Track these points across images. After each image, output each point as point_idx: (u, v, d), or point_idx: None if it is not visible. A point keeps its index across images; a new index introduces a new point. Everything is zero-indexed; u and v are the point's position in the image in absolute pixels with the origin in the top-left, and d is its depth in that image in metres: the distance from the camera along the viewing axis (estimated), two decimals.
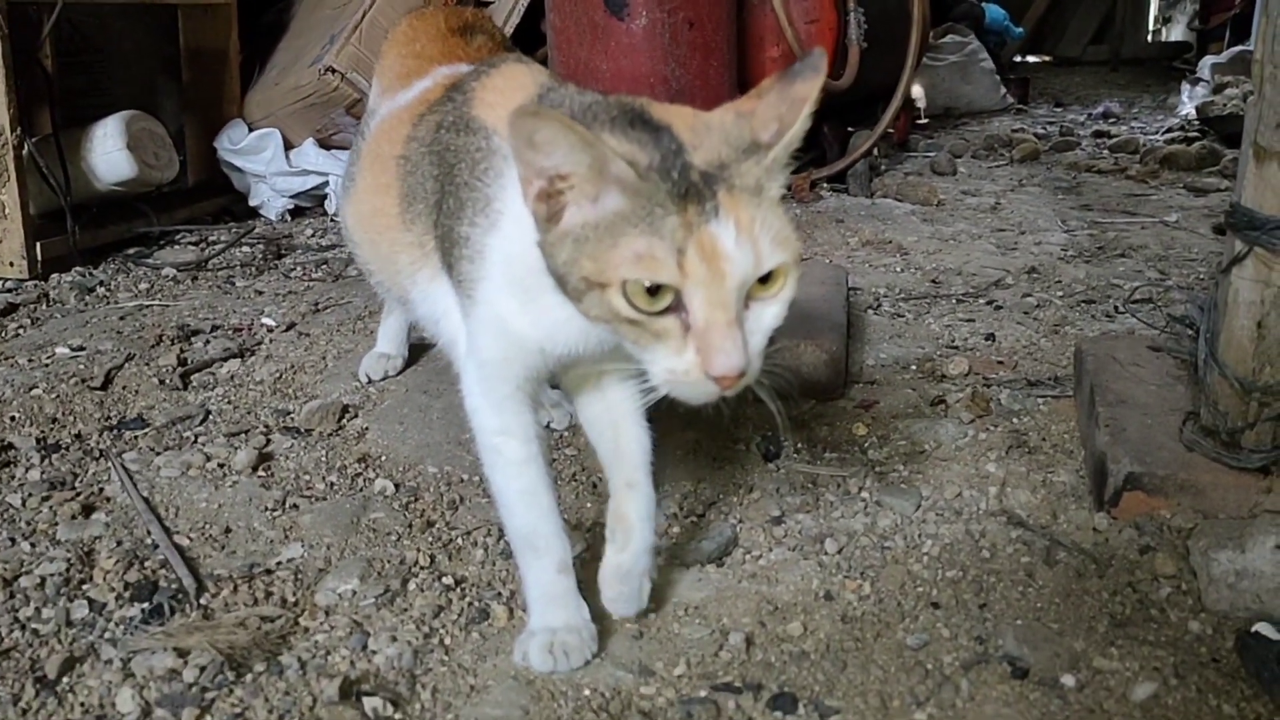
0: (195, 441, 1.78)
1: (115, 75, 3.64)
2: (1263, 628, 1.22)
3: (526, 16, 3.64)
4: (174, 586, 1.35)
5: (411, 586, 1.36)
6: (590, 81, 3.03)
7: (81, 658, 1.21)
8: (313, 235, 3.30)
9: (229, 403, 1.94)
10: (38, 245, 2.71)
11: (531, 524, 1.24)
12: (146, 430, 1.82)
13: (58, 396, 1.93)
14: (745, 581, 1.37)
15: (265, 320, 2.40)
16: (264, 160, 3.48)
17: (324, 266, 2.91)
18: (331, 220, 3.47)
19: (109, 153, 2.98)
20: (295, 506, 1.56)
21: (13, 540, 1.45)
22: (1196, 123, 5.19)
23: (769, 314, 1.01)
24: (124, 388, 1.99)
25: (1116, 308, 2.45)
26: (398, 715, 1.13)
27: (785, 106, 1.01)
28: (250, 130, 3.54)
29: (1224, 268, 1.42)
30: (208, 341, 2.26)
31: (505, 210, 1.13)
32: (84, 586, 1.34)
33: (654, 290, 0.95)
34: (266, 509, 1.55)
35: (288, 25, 3.88)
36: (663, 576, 1.37)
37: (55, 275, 2.72)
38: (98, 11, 3.47)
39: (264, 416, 1.88)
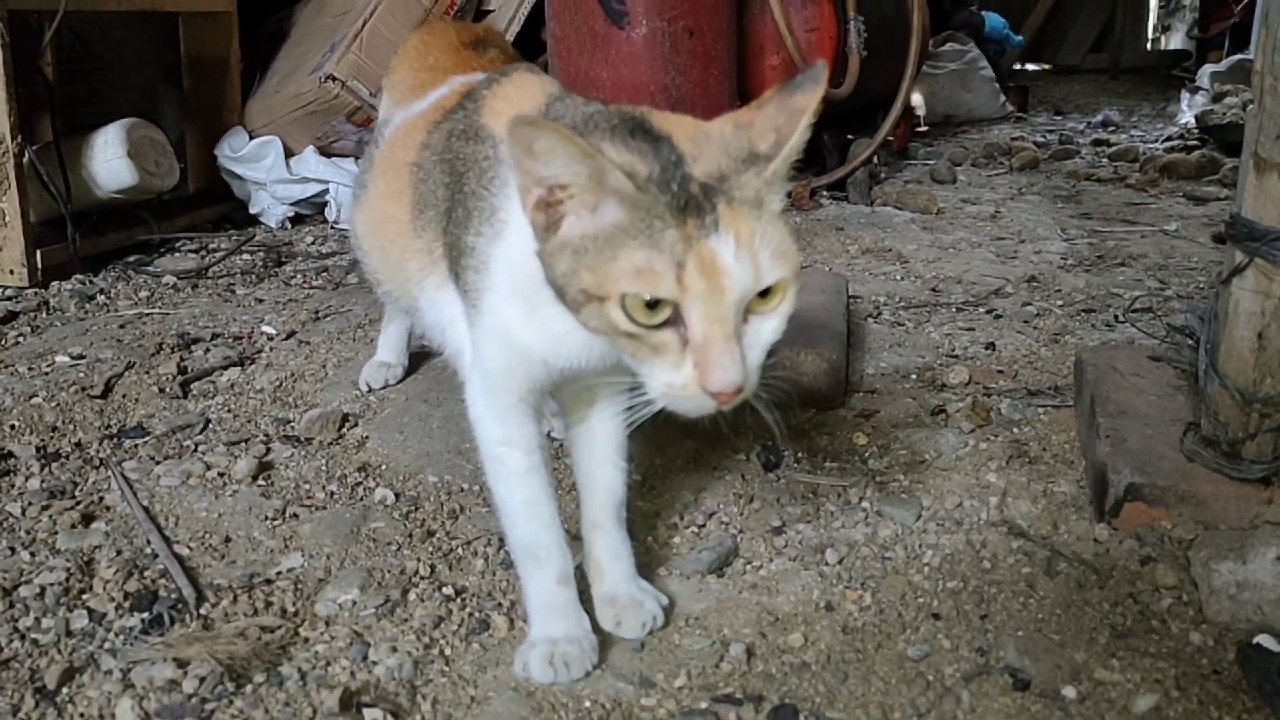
0: (195, 450, 1.78)
1: (116, 83, 3.64)
2: (1264, 640, 1.22)
3: (527, 25, 3.65)
4: (174, 596, 1.34)
5: (412, 597, 1.36)
6: (590, 90, 3.04)
7: (81, 668, 1.20)
8: (313, 243, 3.30)
9: (229, 411, 1.94)
10: (38, 253, 2.71)
11: (533, 535, 1.24)
12: (146, 439, 1.81)
13: (58, 405, 1.92)
14: (746, 592, 1.37)
15: (265, 328, 2.40)
16: (264, 168, 3.49)
17: (324, 274, 2.91)
18: (332, 228, 3.47)
19: (109, 160, 2.98)
20: (295, 516, 1.56)
21: (12, 549, 1.44)
22: (1196, 131, 5.20)
23: (768, 328, 1.01)
24: (124, 396, 1.99)
25: (1116, 317, 2.45)
26: None
27: (784, 118, 1.01)
28: (251, 138, 3.54)
29: (1224, 279, 1.42)
30: (208, 350, 2.26)
31: (510, 220, 1.13)
32: (84, 596, 1.34)
33: (653, 304, 0.95)
34: (266, 518, 1.55)
35: (288, 33, 3.88)
36: (663, 587, 1.37)
37: (55, 283, 2.72)
38: (99, 19, 3.47)
39: (264, 425, 1.88)
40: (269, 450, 1.78)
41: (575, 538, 1.40)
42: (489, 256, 1.15)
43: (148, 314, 2.54)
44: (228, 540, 1.50)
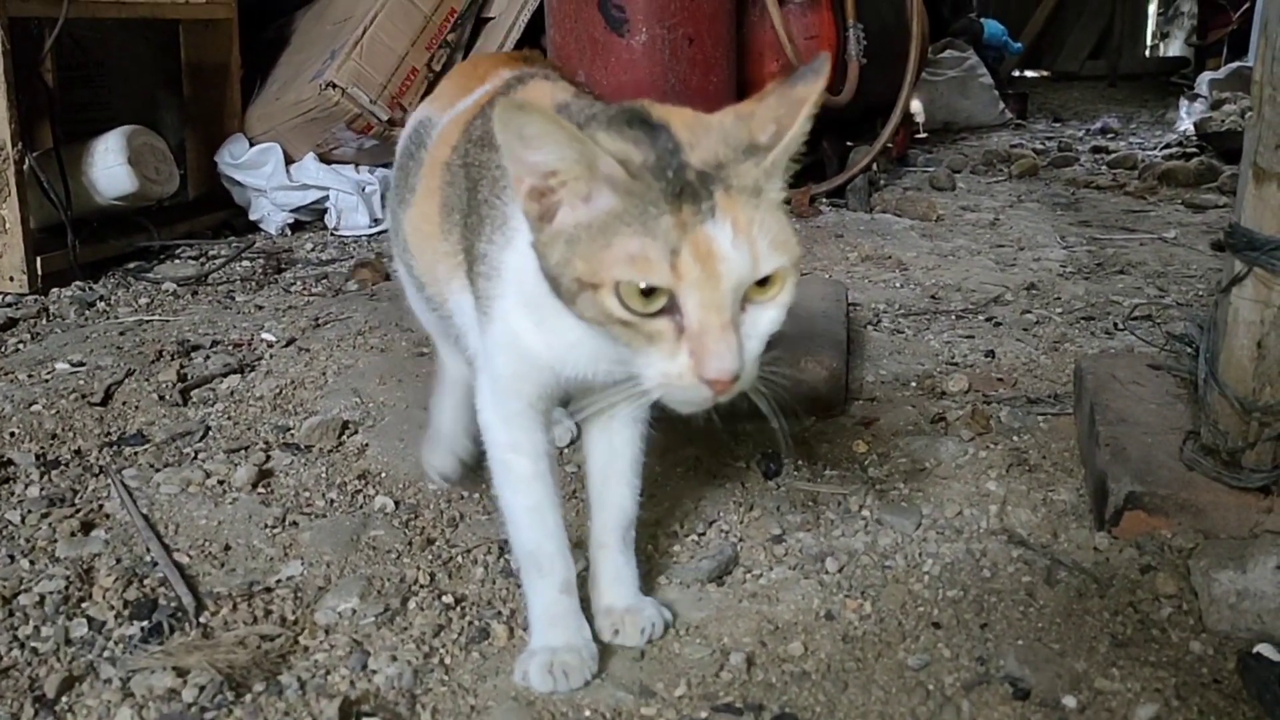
0: (195, 458, 1.78)
1: (116, 90, 3.65)
2: (1264, 649, 1.22)
3: (527, 32, 3.66)
4: (173, 604, 1.34)
5: (411, 605, 1.36)
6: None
7: (81, 677, 1.20)
8: (313, 249, 3.30)
9: (229, 419, 1.94)
10: (38, 260, 2.71)
11: (536, 542, 1.24)
12: (146, 446, 1.81)
13: (57, 412, 1.92)
14: (746, 601, 1.37)
15: (265, 335, 2.40)
16: (264, 174, 3.49)
17: (324, 281, 2.92)
18: (332, 234, 3.47)
19: (110, 167, 2.99)
20: (295, 524, 1.56)
21: (12, 557, 1.44)
22: (1195, 138, 5.20)
23: (766, 318, 1.00)
24: (124, 403, 1.99)
25: (1116, 325, 2.45)
26: None
27: (784, 109, 1.01)
28: (251, 145, 3.54)
29: (1224, 288, 1.42)
30: (208, 357, 2.26)
31: (520, 228, 1.12)
32: (83, 604, 1.34)
33: (648, 291, 0.94)
34: (266, 526, 1.55)
35: (289, 40, 3.89)
36: (663, 596, 1.37)
37: (55, 290, 2.72)
38: (99, 26, 3.48)
39: (264, 433, 1.88)
40: (269, 458, 1.78)
41: (577, 545, 1.40)
42: (500, 264, 1.15)
43: (148, 321, 2.54)
44: (227, 548, 1.49)
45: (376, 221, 3.53)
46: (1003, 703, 1.16)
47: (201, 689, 1.16)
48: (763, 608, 1.35)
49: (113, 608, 1.33)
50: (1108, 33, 9.62)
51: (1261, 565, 1.28)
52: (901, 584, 1.40)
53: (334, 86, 3.33)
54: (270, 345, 2.34)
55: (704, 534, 1.53)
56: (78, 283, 2.79)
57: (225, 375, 2.14)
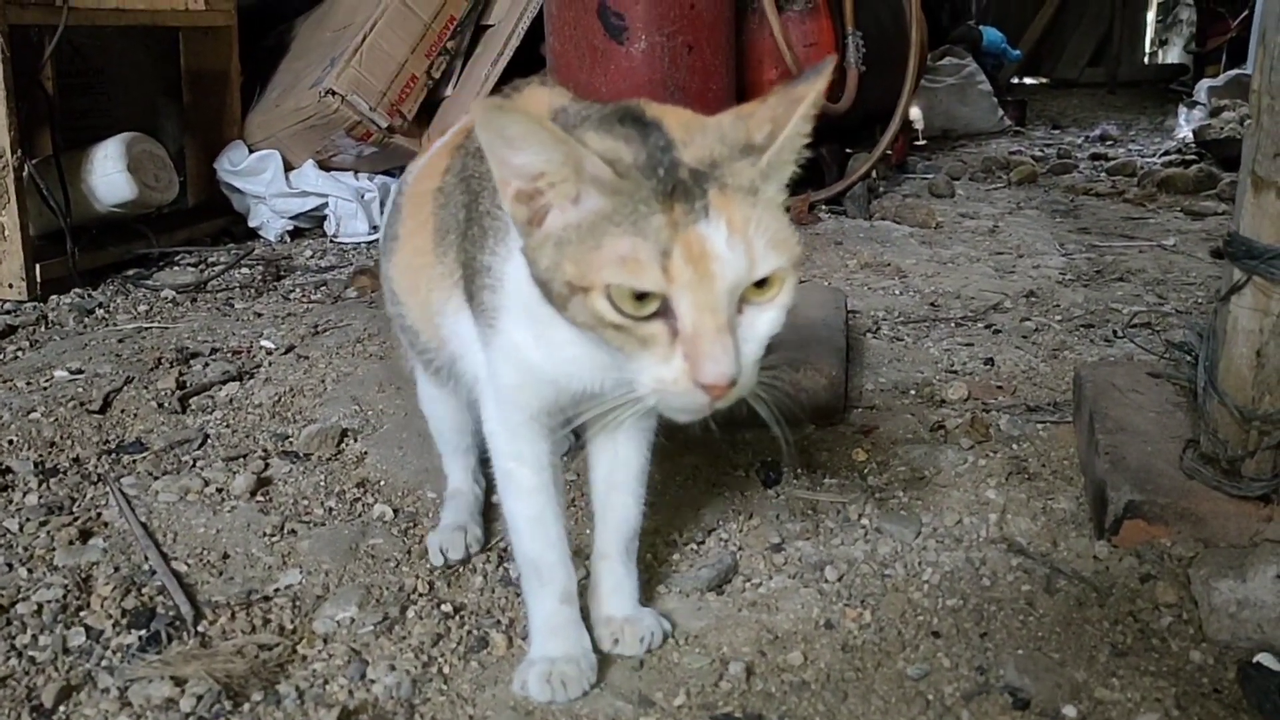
0: (193, 466, 1.77)
1: (116, 96, 3.65)
2: (1264, 658, 1.22)
3: (526, 40, 3.66)
4: (171, 613, 1.34)
5: (410, 614, 1.35)
6: None
7: (78, 686, 1.20)
8: (312, 257, 3.30)
9: (227, 426, 1.94)
10: (37, 267, 2.71)
11: (537, 552, 1.24)
12: (145, 454, 1.81)
13: (56, 420, 1.92)
14: (745, 610, 1.36)
15: (264, 343, 2.40)
16: (264, 182, 3.49)
17: (323, 288, 2.92)
18: (331, 241, 3.47)
19: (109, 175, 2.99)
20: (293, 532, 1.56)
21: (10, 566, 1.44)
22: (1193, 146, 5.21)
23: (764, 320, 0.97)
24: (122, 411, 1.99)
25: (1115, 332, 2.45)
26: None
27: (782, 108, 0.98)
28: (250, 152, 3.55)
29: (1223, 296, 1.42)
30: (206, 364, 2.26)
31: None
32: (81, 613, 1.34)
33: (640, 295, 0.92)
34: (264, 534, 1.55)
35: (288, 47, 3.89)
36: (662, 605, 1.37)
37: (54, 297, 2.72)
38: (99, 33, 3.48)
39: (262, 440, 1.88)
40: (267, 466, 1.77)
41: (577, 553, 1.40)
42: (503, 275, 1.13)
43: (146, 328, 2.54)
44: (226, 557, 1.49)
45: (375, 228, 3.53)
46: (1002, 713, 1.16)
47: (199, 699, 1.16)
48: (762, 617, 1.35)
49: (111, 617, 1.33)
50: (1106, 40, 9.65)
51: (1262, 574, 1.28)
52: (901, 593, 1.39)
53: (333, 94, 3.34)
54: (269, 352, 2.34)
55: (703, 543, 1.53)
56: (77, 290, 2.79)
57: (224, 383, 2.14)
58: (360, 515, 1.62)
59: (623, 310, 0.93)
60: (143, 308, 2.72)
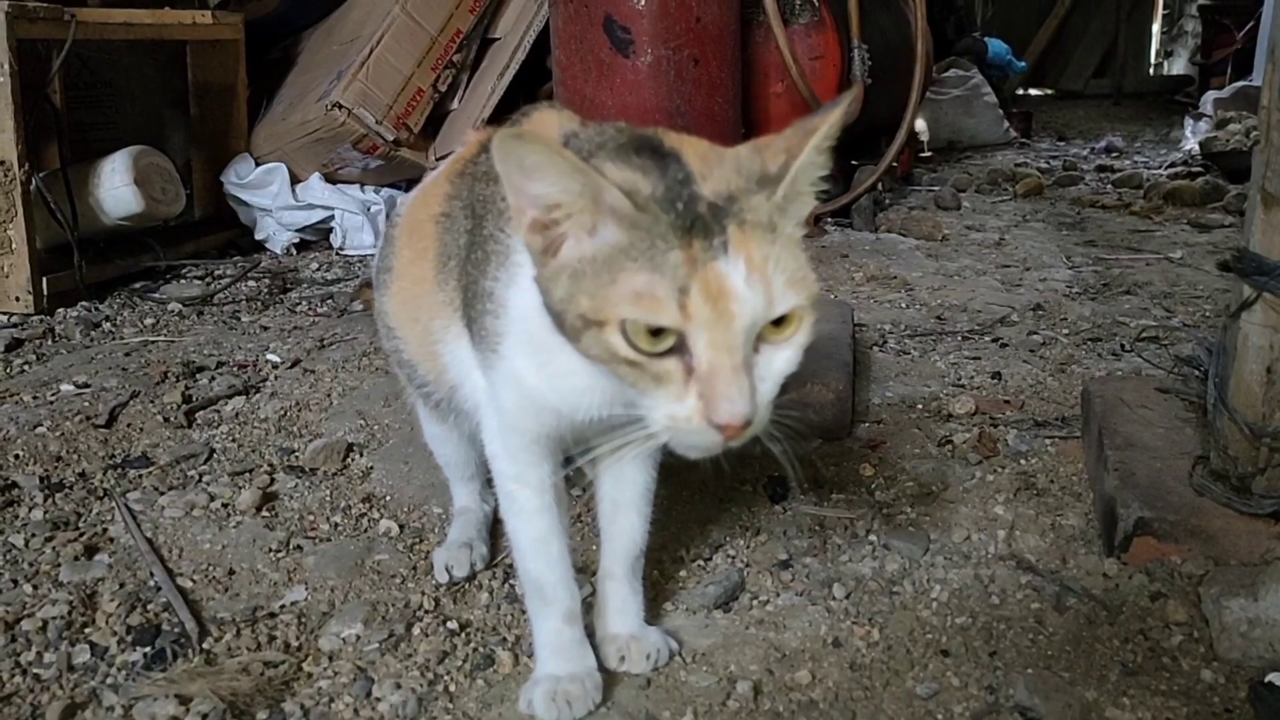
0: (199, 481, 1.77)
1: (123, 110, 3.66)
2: (1276, 678, 1.21)
3: (533, 52, 3.67)
4: (176, 630, 1.34)
5: (416, 631, 1.35)
6: (595, 118, 3.05)
7: (83, 704, 1.20)
8: (318, 269, 3.30)
9: (233, 441, 1.94)
10: (44, 280, 2.72)
11: (540, 572, 1.24)
12: (150, 469, 1.81)
13: (62, 434, 1.92)
14: (753, 628, 1.35)
15: (270, 356, 2.40)
16: (270, 194, 3.50)
17: (329, 301, 2.92)
18: (337, 254, 3.48)
19: (116, 188, 2.99)
20: (299, 548, 1.55)
21: (15, 582, 1.44)
22: (1199, 158, 5.20)
23: (780, 359, 0.96)
24: (128, 425, 1.99)
25: (1123, 346, 2.44)
26: None
27: (797, 139, 0.97)
28: (257, 165, 3.55)
29: (1233, 313, 1.42)
30: (213, 378, 2.26)
31: (523, 263, 1.08)
32: (86, 630, 1.33)
33: (656, 331, 0.90)
34: (270, 550, 1.54)
35: (295, 60, 3.90)
36: (669, 623, 1.36)
37: (61, 310, 2.73)
38: (107, 47, 3.49)
39: (268, 455, 1.87)
40: (273, 481, 1.77)
41: (582, 570, 1.39)
42: (505, 301, 1.11)
43: (153, 341, 2.54)
44: (231, 573, 1.49)
45: None
46: None
47: (204, 717, 1.16)
48: (769, 635, 1.34)
49: (115, 633, 1.32)
50: (1112, 51, 9.63)
51: (1273, 593, 1.27)
52: (909, 610, 1.39)
53: (340, 107, 3.34)
54: (275, 366, 2.34)
55: (710, 559, 1.52)
56: (83, 303, 2.79)
57: (230, 397, 2.14)
58: (366, 531, 1.61)
59: (637, 346, 0.91)
60: (149, 321, 2.72)
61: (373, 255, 3.42)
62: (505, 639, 1.33)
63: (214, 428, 2.00)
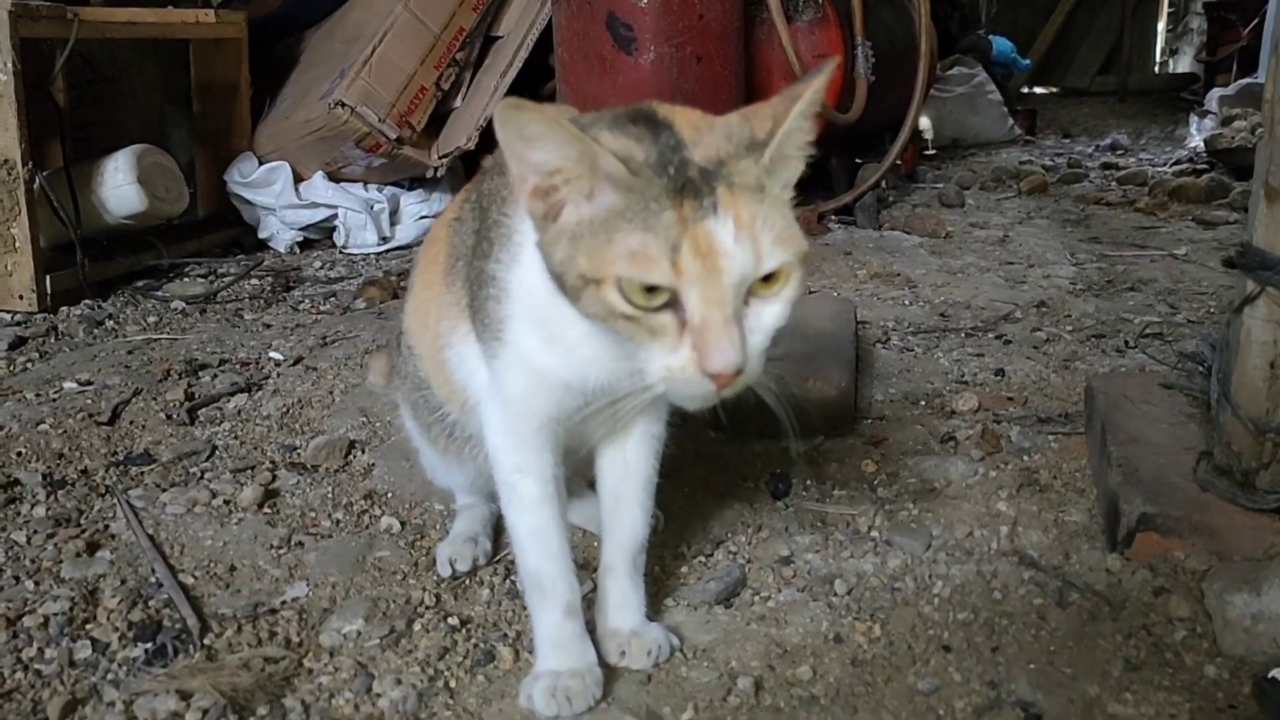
0: (201, 478, 1.77)
1: (126, 108, 3.67)
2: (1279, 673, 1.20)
3: (535, 50, 3.66)
4: (178, 626, 1.34)
5: (417, 627, 1.34)
6: None
7: (84, 699, 1.20)
8: (321, 268, 3.30)
9: (235, 438, 1.94)
10: (47, 278, 2.72)
11: (539, 564, 1.24)
12: (153, 466, 1.81)
13: (65, 431, 1.92)
14: (754, 623, 1.35)
15: (273, 354, 2.40)
16: (273, 193, 3.50)
17: (332, 299, 2.92)
18: (340, 252, 3.48)
19: (119, 186, 3.00)
20: (300, 544, 1.55)
21: (17, 578, 1.44)
22: (1204, 155, 5.19)
23: (770, 313, 1.00)
24: (131, 423, 1.99)
25: (1127, 342, 2.43)
26: None
27: (783, 106, 1.01)
28: (260, 163, 3.55)
29: (1236, 307, 1.41)
30: (215, 376, 2.26)
31: (525, 243, 1.12)
32: (87, 626, 1.33)
33: (650, 287, 0.95)
34: (271, 547, 1.54)
35: (298, 59, 3.90)
36: (670, 618, 1.36)
37: (64, 308, 2.73)
38: (110, 45, 3.50)
39: (270, 452, 1.87)
40: (275, 478, 1.77)
41: (584, 566, 1.39)
42: (508, 283, 1.15)
43: (156, 339, 2.54)
44: (232, 569, 1.49)
45: (385, 240, 3.54)
46: None
47: (205, 712, 1.16)
48: (771, 630, 1.33)
49: (117, 629, 1.32)
50: (1117, 49, 9.62)
51: (1277, 588, 1.26)
52: (911, 606, 1.38)
53: (343, 105, 3.34)
54: (278, 364, 2.34)
55: (711, 555, 1.52)
56: (86, 301, 2.80)
57: (232, 394, 2.14)
58: (367, 527, 1.61)
59: (633, 302, 0.95)
60: (152, 319, 2.72)
61: (375, 254, 3.44)
62: (506, 635, 1.33)
63: (216, 425, 2.00)
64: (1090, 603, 1.37)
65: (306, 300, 2.92)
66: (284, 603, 1.40)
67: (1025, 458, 1.80)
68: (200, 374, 2.27)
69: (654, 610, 1.35)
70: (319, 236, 3.61)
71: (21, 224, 2.66)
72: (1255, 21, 7.36)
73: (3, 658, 1.26)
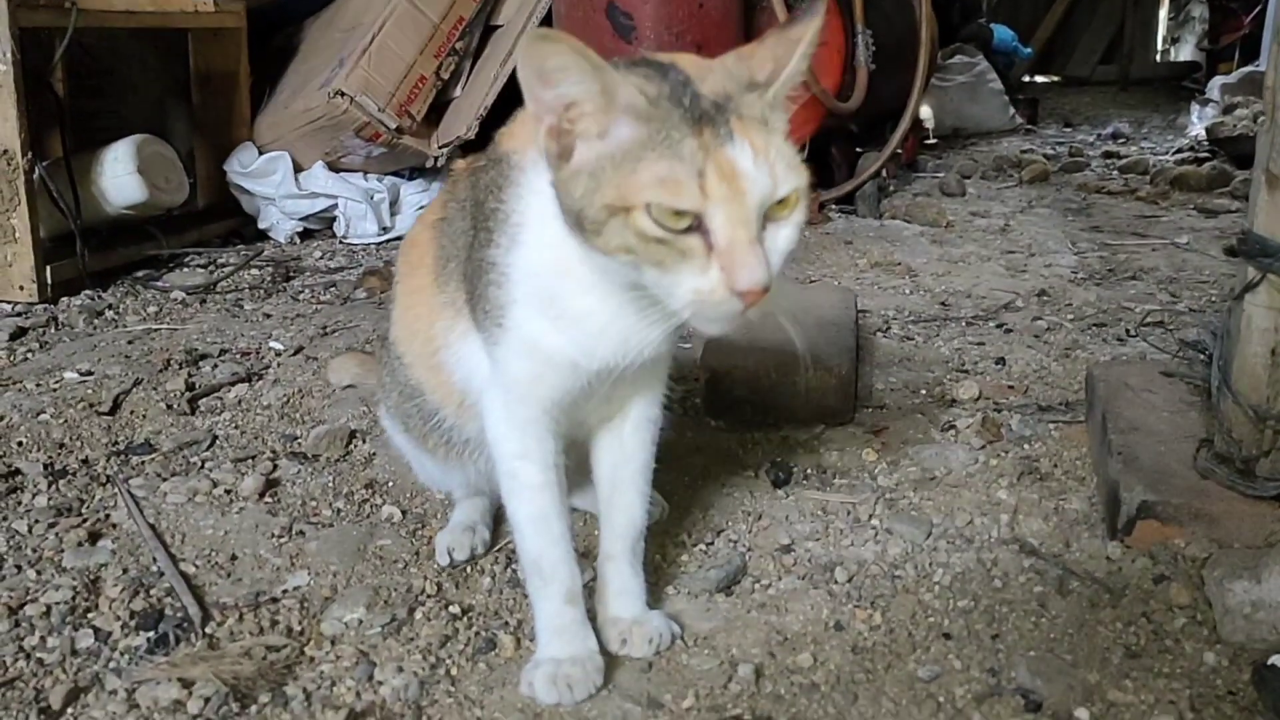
0: (202, 467, 1.77)
1: (126, 98, 3.66)
2: (1279, 660, 1.20)
3: None
4: (179, 615, 1.34)
5: (418, 615, 1.35)
6: None
7: (86, 688, 1.20)
8: (321, 258, 3.30)
9: (236, 428, 1.94)
10: (47, 269, 2.72)
11: (540, 550, 1.24)
12: (154, 456, 1.81)
13: (65, 421, 1.92)
14: (754, 611, 1.35)
15: (273, 344, 2.40)
16: (273, 183, 3.49)
17: (332, 289, 2.92)
18: (340, 242, 3.47)
19: (119, 176, 2.99)
20: (301, 533, 1.55)
21: (19, 567, 1.44)
22: (1206, 143, 5.18)
23: (784, 235, 1.03)
24: (132, 413, 1.99)
25: (1128, 331, 2.43)
26: None
27: (782, 48, 1.05)
28: (260, 153, 3.55)
29: (1237, 295, 1.41)
30: (215, 365, 2.26)
31: (524, 222, 1.14)
32: (89, 615, 1.34)
33: (677, 212, 0.98)
34: (273, 536, 1.54)
35: (297, 49, 3.89)
36: (671, 606, 1.36)
37: (65, 299, 2.73)
38: (109, 35, 3.49)
39: (271, 442, 1.88)
40: (276, 467, 1.77)
41: (585, 555, 1.39)
42: (509, 266, 1.16)
43: (156, 329, 2.54)
44: (234, 558, 1.49)
45: (385, 230, 3.53)
46: (1014, 715, 1.15)
47: (207, 700, 1.16)
48: (771, 618, 1.34)
49: (119, 618, 1.32)
50: (1118, 37, 9.60)
51: (1276, 575, 1.27)
52: (912, 594, 1.38)
53: (342, 94, 3.33)
54: (278, 354, 2.34)
55: (712, 543, 1.52)
56: (87, 291, 2.79)
57: (233, 384, 2.14)
58: (368, 516, 1.61)
59: (663, 225, 0.98)
60: (152, 309, 2.72)
61: (375, 244, 3.43)
62: (507, 623, 1.33)
63: (217, 414, 2.00)
64: (1090, 590, 1.37)
65: (307, 290, 2.92)
66: (285, 591, 1.41)
67: (1026, 446, 1.81)
68: (201, 364, 2.27)
69: (655, 598, 1.35)
70: (319, 226, 3.60)
71: (21, 214, 2.66)
72: (1257, 9, 7.35)
73: (5, 646, 1.26)
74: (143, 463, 1.78)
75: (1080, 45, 9.72)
